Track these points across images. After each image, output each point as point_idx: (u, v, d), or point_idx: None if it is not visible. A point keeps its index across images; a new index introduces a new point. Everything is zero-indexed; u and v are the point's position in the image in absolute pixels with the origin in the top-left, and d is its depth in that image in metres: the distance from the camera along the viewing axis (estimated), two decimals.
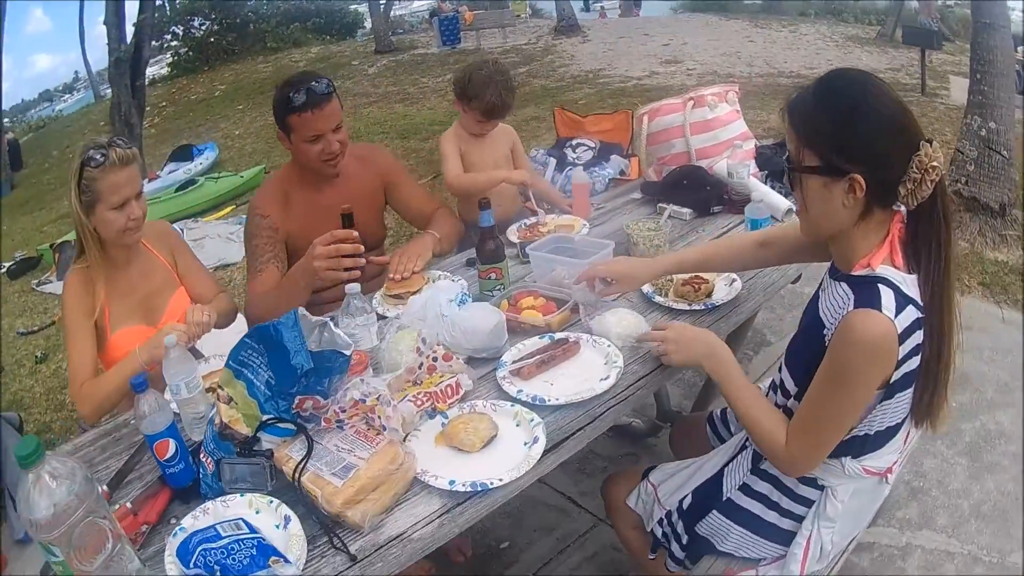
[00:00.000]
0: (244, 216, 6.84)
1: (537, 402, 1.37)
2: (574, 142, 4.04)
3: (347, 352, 1.18)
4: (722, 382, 1.43)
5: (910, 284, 1.21)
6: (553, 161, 3.90)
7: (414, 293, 1.78)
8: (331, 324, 1.25)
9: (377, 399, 1.18)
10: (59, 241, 6.54)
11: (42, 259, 6.76)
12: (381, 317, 1.76)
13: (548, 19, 18.88)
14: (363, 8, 20.44)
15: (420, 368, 1.41)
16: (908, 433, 1.38)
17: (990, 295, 3.74)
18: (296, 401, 1.12)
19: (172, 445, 1.19)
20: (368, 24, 20.16)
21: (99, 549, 0.94)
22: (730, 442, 1.55)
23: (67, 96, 38.09)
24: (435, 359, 1.44)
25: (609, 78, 11.38)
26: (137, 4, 9.79)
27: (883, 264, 1.21)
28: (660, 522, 1.53)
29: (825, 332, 1.24)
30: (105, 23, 9.40)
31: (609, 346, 1.53)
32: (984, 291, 3.78)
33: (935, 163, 1.14)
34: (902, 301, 1.18)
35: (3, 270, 6.90)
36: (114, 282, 1.83)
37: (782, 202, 2.21)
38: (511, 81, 2.44)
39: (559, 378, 1.46)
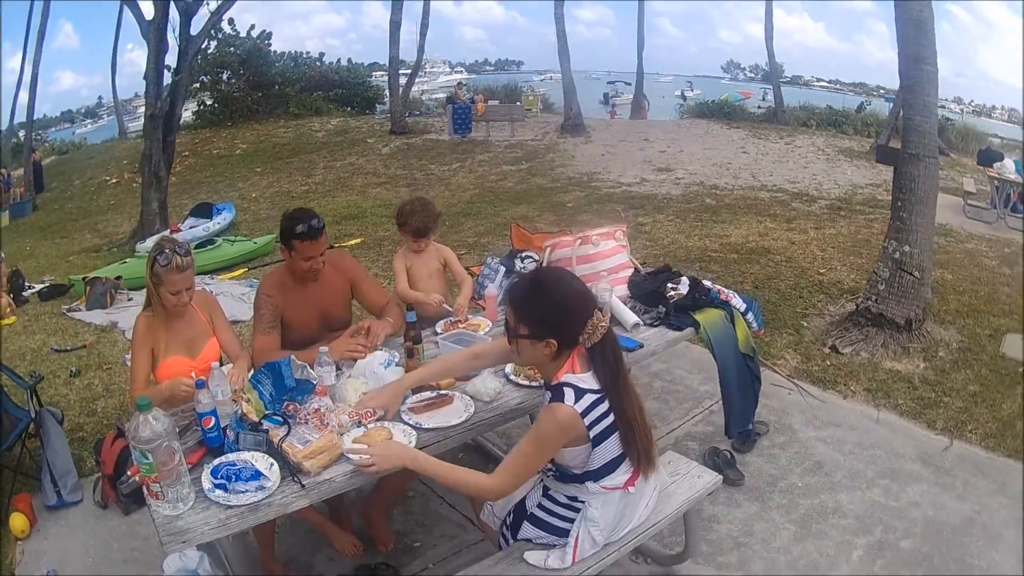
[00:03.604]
0: (254, 279, 8.20)
1: (416, 425, 2.50)
2: (523, 255, 4.77)
3: (314, 382, 2.42)
4: (429, 471, 2.18)
5: (587, 379, 2.06)
6: (503, 269, 4.60)
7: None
8: (308, 368, 2.49)
9: (326, 410, 2.38)
10: (91, 275, 7.61)
11: (72, 288, 7.76)
12: (339, 368, 2.84)
13: (558, 114, 19.92)
14: (384, 83, 21.67)
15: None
16: (638, 469, 2.21)
17: (872, 399, 4.34)
18: (284, 404, 2.33)
19: (212, 420, 2.33)
20: (388, 102, 21.49)
21: (169, 462, 2.04)
22: (534, 478, 2.37)
23: (89, 121, 38.21)
24: None
25: (601, 182, 12.42)
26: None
27: (566, 374, 2.08)
28: (500, 527, 2.44)
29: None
30: (144, 78, 10.51)
31: (469, 401, 2.65)
32: (867, 395, 4.39)
33: (603, 323, 2.06)
34: (580, 392, 2.04)
35: (34, 290, 8.02)
36: (169, 326, 2.91)
37: (631, 317, 3.27)
38: (432, 210, 3.66)
39: (436, 415, 2.57)
